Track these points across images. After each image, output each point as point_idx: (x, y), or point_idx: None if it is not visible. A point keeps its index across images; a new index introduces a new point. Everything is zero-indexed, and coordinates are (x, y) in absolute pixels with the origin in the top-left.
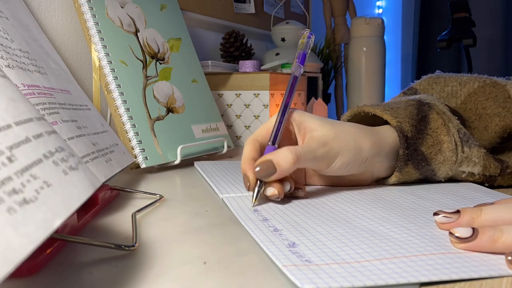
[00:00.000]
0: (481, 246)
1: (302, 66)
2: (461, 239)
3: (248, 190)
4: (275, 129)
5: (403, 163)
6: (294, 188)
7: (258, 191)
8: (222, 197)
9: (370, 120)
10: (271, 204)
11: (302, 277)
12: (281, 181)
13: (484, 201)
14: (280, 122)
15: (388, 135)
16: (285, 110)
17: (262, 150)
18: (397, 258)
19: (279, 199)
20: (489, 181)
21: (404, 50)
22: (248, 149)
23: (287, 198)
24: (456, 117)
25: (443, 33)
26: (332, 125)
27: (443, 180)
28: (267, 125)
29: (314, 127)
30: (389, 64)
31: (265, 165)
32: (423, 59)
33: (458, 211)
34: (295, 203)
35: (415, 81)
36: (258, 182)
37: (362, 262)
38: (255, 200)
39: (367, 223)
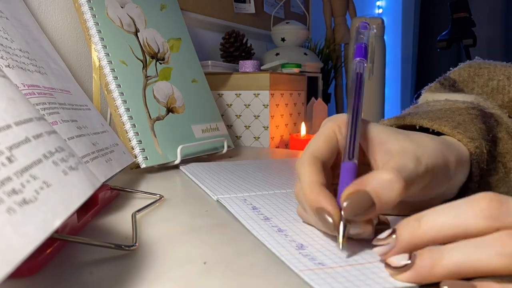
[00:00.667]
0: (421, 275)
1: (358, 59)
2: (398, 269)
3: (332, 230)
4: (350, 140)
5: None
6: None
7: (345, 229)
8: (217, 198)
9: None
10: (268, 202)
11: (321, 282)
12: None
13: None
14: (355, 131)
15: (462, 149)
16: (356, 114)
17: (326, 171)
18: None
19: (372, 238)
20: None
21: (404, 50)
22: (311, 171)
23: (278, 195)
24: None
25: (443, 33)
26: (407, 135)
27: None
28: (324, 137)
29: (386, 138)
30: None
31: (359, 199)
32: (423, 59)
33: (393, 231)
34: (293, 201)
35: (450, 69)
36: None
37: (375, 263)
38: (344, 241)
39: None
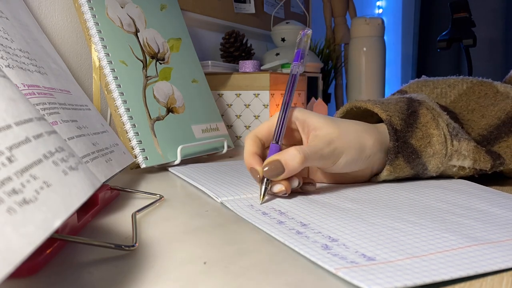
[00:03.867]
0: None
1: (296, 63)
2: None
3: (257, 182)
4: (278, 127)
5: (394, 156)
6: (304, 183)
7: (265, 188)
8: (221, 201)
9: (363, 117)
10: (278, 204)
11: (362, 279)
12: (288, 178)
13: (478, 195)
14: (283, 120)
15: (386, 131)
16: (286, 108)
17: (262, 147)
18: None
19: (286, 195)
20: (480, 175)
21: (404, 50)
22: (250, 144)
23: (293, 194)
24: (446, 113)
25: (443, 33)
26: (336, 123)
27: (434, 175)
28: (267, 123)
29: (318, 126)
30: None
31: (274, 165)
32: (423, 59)
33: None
34: (300, 201)
35: (403, 84)
36: (265, 179)
37: (406, 260)
38: (263, 197)
39: (381, 219)
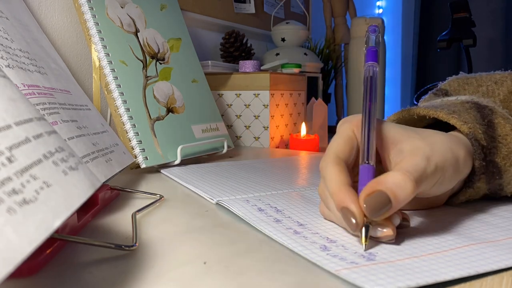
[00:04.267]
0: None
1: (370, 63)
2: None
3: (355, 230)
4: (365, 143)
5: (477, 178)
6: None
7: (367, 230)
8: (217, 201)
9: (411, 124)
10: (271, 203)
11: (363, 280)
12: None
13: None
14: (370, 132)
15: (468, 143)
16: (370, 117)
17: (348, 171)
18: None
19: (393, 241)
20: None
21: (404, 50)
22: (337, 172)
23: (290, 193)
24: None
25: (443, 33)
26: (419, 134)
27: (509, 195)
28: (344, 139)
29: (400, 138)
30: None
31: (377, 199)
32: (423, 59)
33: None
34: (295, 200)
35: (440, 82)
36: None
37: (405, 260)
38: (367, 240)
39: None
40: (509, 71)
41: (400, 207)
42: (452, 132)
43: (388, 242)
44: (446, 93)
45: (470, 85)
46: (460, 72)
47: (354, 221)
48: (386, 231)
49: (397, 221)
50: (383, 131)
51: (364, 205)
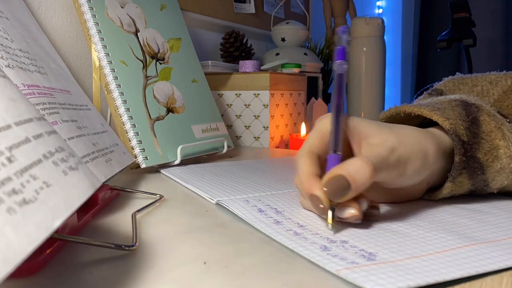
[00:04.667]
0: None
1: (338, 62)
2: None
3: (322, 213)
4: (335, 133)
5: (458, 172)
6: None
7: (333, 210)
8: (217, 201)
9: (402, 122)
10: (271, 203)
11: (364, 280)
12: (356, 199)
13: None
14: (338, 126)
15: (443, 138)
16: (338, 112)
17: (321, 164)
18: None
19: (360, 221)
20: None
21: (404, 50)
22: (307, 163)
23: (288, 193)
24: (508, 120)
25: (443, 33)
26: (390, 128)
27: (495, 192)
28: (318, 133)
29: (371, 132)
30: (389, 64)
31: (337, 183)
32: (423, 59)
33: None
34: (294, 201)
35: (436, 82)
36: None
37: (406, 260)
38: (333, 222)
39: (378, 221)
40: (504, 72)
41: (360, 189)
42: (431, 129)
43: (355, 222)
44: (441, 93)
45: (465, 85)
46: (457, 73)
47: (321, 206)
48: (351, 212)
49: (364, 205)
50: (356, 126)
51: (326, 189)
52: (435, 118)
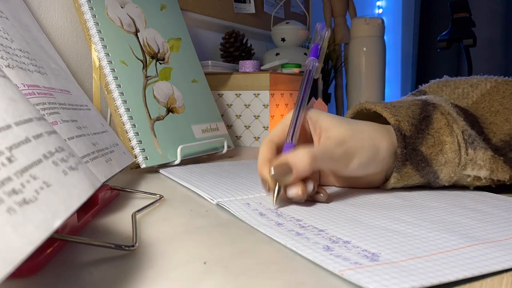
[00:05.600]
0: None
1: (312, 58)
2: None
3: (268, 192)
4: (292, 126)
5: (401, 163)
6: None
7: (278, 191)
8: (217, 202)
9: (374, 119)
10: (270, 205)
11: (368, 280)
12: (303, 181)
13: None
14: (297, 118)
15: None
16: (300, 105)
17: (279, 151)
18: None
19: (303, 201)
20: (498, 185)
21: (404, 50)
22: (264, 150)
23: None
24: (462, 118)
25: (443, 33)
26: (348, 123)
27: (446, 184)
28: (282, 125)
29: (329, 127)
30: (389, 64)
31: (281, 167)
32: (423, 59)
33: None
34: (296, 204)
35: (423, 84)
36: (277, 183)
37: (409, 261)
38: (276, 200)
39: (379, 221)
40: (485, 75)
41: (301, 175)
42: (389, 126)
43: (298, 201)
44: (424, 94)
45: (447, 87)
46: (444, 76)
47: (267, 186)
48: (295, 191)
49: (310, 187)
50: (318, 120)
51: (272, 172)
52: (384, 114)
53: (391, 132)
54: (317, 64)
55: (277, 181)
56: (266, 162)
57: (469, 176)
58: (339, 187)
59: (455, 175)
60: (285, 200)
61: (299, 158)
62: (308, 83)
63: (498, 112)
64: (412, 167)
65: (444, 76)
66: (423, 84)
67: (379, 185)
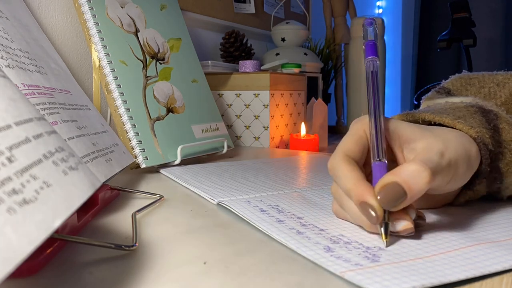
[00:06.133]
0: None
1: (370, 57)
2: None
3: (374, 222)
4: (377, 140)
5: (479, 181)
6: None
7: (387, 227)
8: (218, 202)
9: None
10: (273, 203)
11: (369, 282)
12: (404, 209)
13: None
14: (378, 130)
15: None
16: (377, 115)
17: (361, 169)
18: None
19: (413, 234)
20: None
21: (404, 50)
22: (350, 169)
23: (289, 194)
24: None
25: (443, 33)
26: (432, 132)
27: (504, 199)
28: (353, 137)
29: (413, 137)
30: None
31: (392, 190)
32: (423, 59)
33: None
34: (297, 202)
35: (443, 80)
36: (385, 214)
37: (410, 261)
38: (386, 237)
39: None
40: (510, 72)
41: (416, 197)
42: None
43: (408, 235)
44: (448, 92)
45: (472, 86)
46: (463, 71)
47: (373, 214)
48: (406, 224)
49: (413, 214)
50: (396, 129)
51: (379, 197)
52: (458, 127)
53: (470, 140)
54: (378, 62)
55: (384, 210)
56: (363, 182)
57: None
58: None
59: None
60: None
61: (413, 176)
62: (376, 86)
63: None
64: (486, 184)
65: (464, 71)
66: (443, 81)
67: (450, 201)
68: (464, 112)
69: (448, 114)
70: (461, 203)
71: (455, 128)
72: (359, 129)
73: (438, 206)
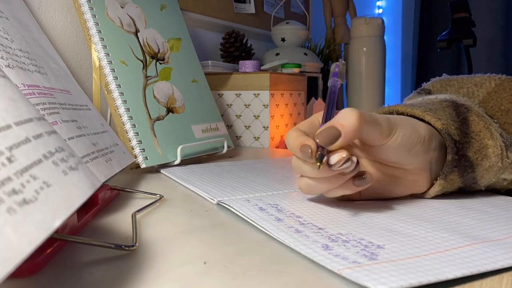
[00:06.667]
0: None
1: (334, 78)
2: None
3: (311, 157)
4: (326, 114)
5: (450, 170)
6: (355, 176)
7: (322, 154)
8: (218, 201)
9: None
10: (272, 203)
11: (366, 279)
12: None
13: None
14: (330, 106)
15: (436, 133)
16: (328, 116)
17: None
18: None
19: (351, 167)
20: None
21: (404, 50)
22: (296, 134)
23: (290, 193)
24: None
25: (443, 33)
26: (386, 117)
27: (482, 189)
28: (307, 121)
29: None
30: (389, 64)
31: (328, 132)
32: (423, 59)
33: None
34: (296, 200)
35: (424, 83)
36: (320, 148)
37: (407, 260)
38: (321, 163)
39: (379, 220)
40: (488, 74)
41: (351, 136)
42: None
43: (346, 167)
44: (429, 92)
45: (452, 86)
46: (443, 74)
47: (309, 150)
48: (340, 154)
49: (354, 158)
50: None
51: (318, 140)
52: (427, 118)
53: (426, 125)
54: (338, 83)
55: (323, 150)
56: (302, 134)
57: (505, 179)
58: (374, 199)
59: (494, 179)
60: (326, 168)
61: (345, 117)
62: (333, 98)
63: (509, 111)
64: (458, 173)
65: (443, 74)
66: (424, 83)
67: (422, 189)
68: (436, 105)
69: (420, 107)
70: (437, 193)
71: (424, 120)
72: (314, 116)
73: (402, 192)
